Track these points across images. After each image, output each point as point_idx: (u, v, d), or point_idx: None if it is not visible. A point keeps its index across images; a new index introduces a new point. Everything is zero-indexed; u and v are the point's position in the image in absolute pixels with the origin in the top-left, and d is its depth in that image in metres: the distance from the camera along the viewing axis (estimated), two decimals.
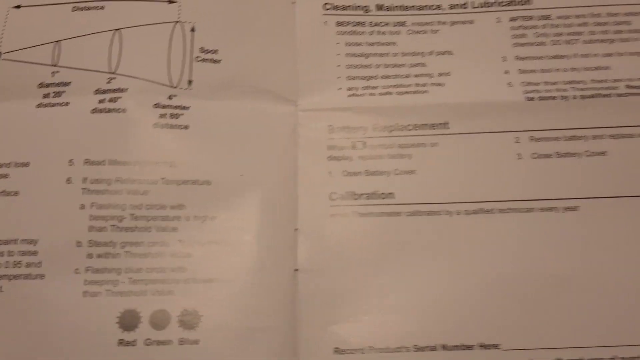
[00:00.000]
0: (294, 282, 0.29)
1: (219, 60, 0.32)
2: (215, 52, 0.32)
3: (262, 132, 0.31)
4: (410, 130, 0.32)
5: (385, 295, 0.29)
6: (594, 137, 0.31)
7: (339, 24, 0.34)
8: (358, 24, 0.34)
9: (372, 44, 0.34)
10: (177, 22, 0.32)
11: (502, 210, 0.30)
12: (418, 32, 0.34)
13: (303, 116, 0.32)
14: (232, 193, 0.30)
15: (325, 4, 0.35)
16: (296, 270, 0.29)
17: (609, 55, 0.33)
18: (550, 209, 0.30)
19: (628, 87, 0.32)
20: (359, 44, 0.34)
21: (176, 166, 0.30)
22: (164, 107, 0.31)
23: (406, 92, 0.33)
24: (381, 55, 0.34)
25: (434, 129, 0.32)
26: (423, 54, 0.34)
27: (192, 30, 0.32)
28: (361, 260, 0.30)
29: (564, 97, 0.32)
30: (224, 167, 0.30)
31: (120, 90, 0.31)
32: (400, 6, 0.35)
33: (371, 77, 0.33)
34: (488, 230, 0.30)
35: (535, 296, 0.29)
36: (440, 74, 0.33)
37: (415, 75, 0.33)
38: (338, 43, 0.34)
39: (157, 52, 0.32)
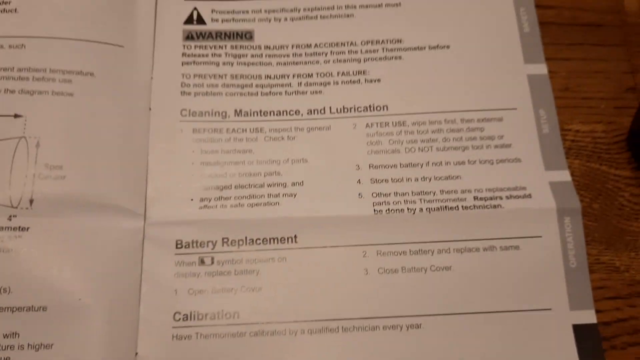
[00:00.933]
0: None
1: (64, 177, 0.31)
2: (60, 167, 0.31)
3: (105, 251, 0.31)
4: (259, 244, 0.32)
5: None
6: (440, 252, 0.31)
7: (196, 130, 0.34)
8: (215, 130, 0.34)
9: (228, 152, 0.34)
10: (22, 137, 0.32)
11: (345, 329, 0.30)
12: (275, 139, 0.34)
13: (151, 231, 0.32)
14: (69, 318, 0.29)
15: (182, 110, 0.34)
16: None
17: (461, 163, 0.33)
18: (394, 327, 0.30)
19: (475, 198, 0.32)
20: (215, 152, 0.34)
21: (11, 293, 0.29)
22: (2, 229, 0.30)
23: (257, 204, 0.32)
24: (237, 163, 0.33)
25: (283, 243, 0.32)
26: (279, 162, 0.34)
27: (37, 145, 0.32)
28: None
29: (411, 210, 0.32)
30: (61, 291, 0.30)
31: None
32: (259, 111, 0.35)
33: (225, 187, 0.33)
34: (330, 351, 0.30)
35: None
36: (293, 184, 0.33)
37: (269, 185, 0.33)
38: (193, 151, 0.34)
39: None
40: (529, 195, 0.32)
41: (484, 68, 0.35)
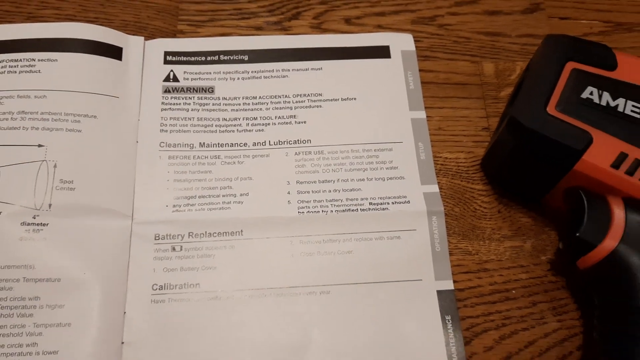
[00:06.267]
0: (120, 352, 0.40)
1: (74, 188, 0.43)
2: (71, 182, 0.44)
3: (103, 241, 0.42)
4: (215, 237, 0.44)
5: None
6: (344, 241, 0.44)
7: (170, 157, 0.46)
8: (185, 157, 0.47)
9: (194, 172, 0.46)
10: (44, 161, 0.44)
11: (277, 295, 0.42)
12: (228, 163, 0.47)
13: (136, 228, 0.44)
14: (76, 287, 0.41)
15: (161, 142, 0.47)
16: (122, 343, 0.40)
17: (362, 180, 0.46)
18: (311, 293, 0.42)
19: (370, 204, 0.45)
20: (184, 172, 0.46)
21: (35, 268, 0.41)
22: (28, 224, 0.42)
23: (214, 209, 0.45)
24: (200, 180, 0.46)
25: (232, 235, 0.44)
26: (231, 179, 0.46)
27: (55, 166, 0.44)
28: (174, 335, 0.41)
29: (325, 212, 0.45)
30: (71, 268, 0.41)
31: None
32: (217, 144, 0.47)
33: (191, 197, 0.45)
34: (265, 309, 0.42)
35: (292, 353, 0.41)
36: (241, 194, 0.45)
37: (223, 196, 0.45)
38: (168, 172, 0.46)
39: (26, 184, 0.43)
40: (408, 202, 0.45)
41: (380, 114, 0.49)
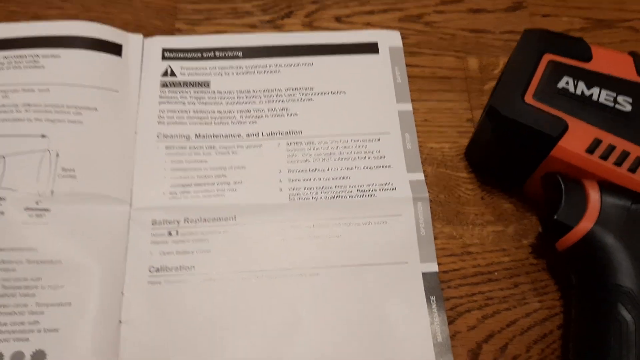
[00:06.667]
0: (118, 330, 0.42)
1: (75, 176, 0.46)
2: (72, 170, 0.46)
3: (102, 226, 0.44)
4: (209, 222, 0.46)
5: (185, 343, 0.42)
6: (333, 225, 0.46)
7: (167, 147, 0.49)
8: (181, 147, 0.49)
9: (190, 162, 0.48)
10: (47, 150, 0.46)
11: (269, 277, 0.44)
12: (223, 153, 0.49)
13: (135, 213, 0.46)
14: (77, 269, 0.43)
15: (159, 133, 0.49)
16: (120, 322, 0.42)
17: (350, 168, 0.48)
18: (301, 275, 0.44)
19: (358, 190, 0.47)
20: (180, 162, 0.48)
21: (37, 251, 0.43)
22: (32, 210, 0.44)
23: (209, 196, 0.47)
24: (195, 169, 0.48)
25: (226, 221, 0.46)
26: (225, 168, 0.48)
27: (57, 155, 0.46)
28: (170, 315, 0.43)
29: (315, 198, 0.47)
30: (72, 251, 0.43)
31: (2, 199, 0.44)
32: (212, 135, 0.49)
33: (187, 185, 0.47)
34: (258, 291, 0.44)
35: (282, 332, 0.42)
36: (235, 182, 0.47)
37: (218, 184, 0.47)
38: (165, 161, 0.48)
39: (30, 172, 0.45)
40: (395, 189, 0.47)
41: (368, 106, 0.51)
